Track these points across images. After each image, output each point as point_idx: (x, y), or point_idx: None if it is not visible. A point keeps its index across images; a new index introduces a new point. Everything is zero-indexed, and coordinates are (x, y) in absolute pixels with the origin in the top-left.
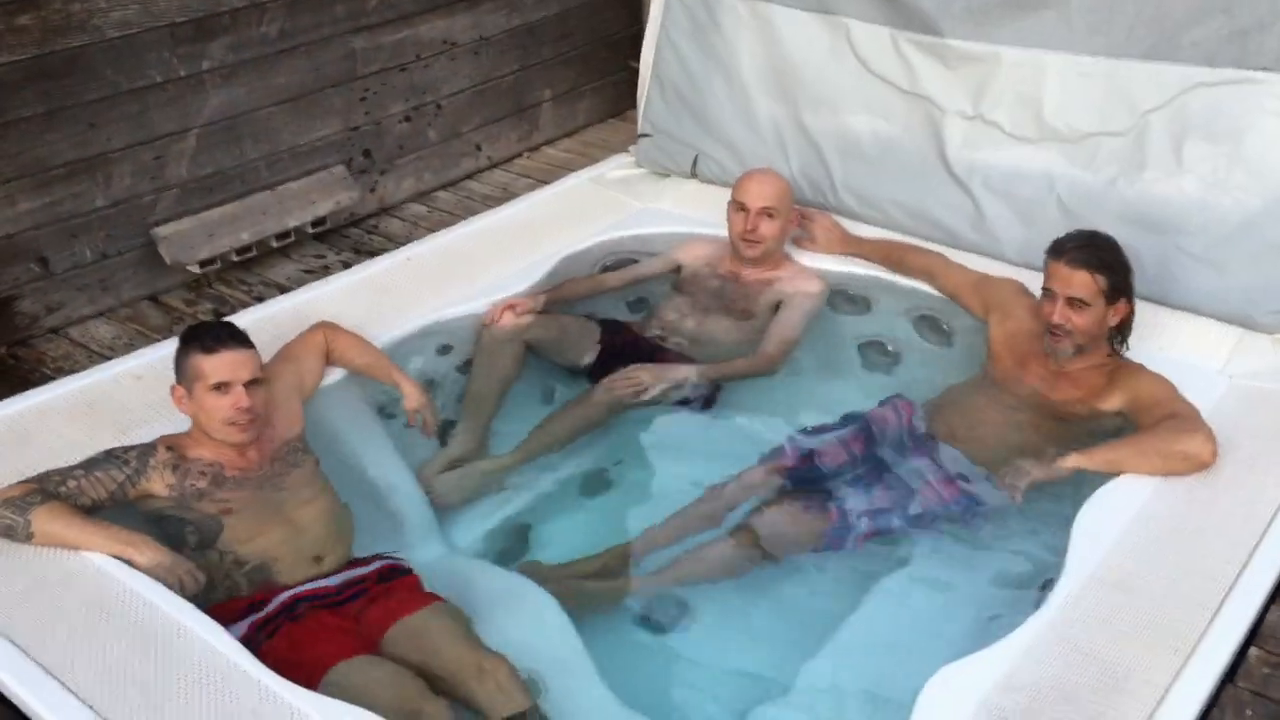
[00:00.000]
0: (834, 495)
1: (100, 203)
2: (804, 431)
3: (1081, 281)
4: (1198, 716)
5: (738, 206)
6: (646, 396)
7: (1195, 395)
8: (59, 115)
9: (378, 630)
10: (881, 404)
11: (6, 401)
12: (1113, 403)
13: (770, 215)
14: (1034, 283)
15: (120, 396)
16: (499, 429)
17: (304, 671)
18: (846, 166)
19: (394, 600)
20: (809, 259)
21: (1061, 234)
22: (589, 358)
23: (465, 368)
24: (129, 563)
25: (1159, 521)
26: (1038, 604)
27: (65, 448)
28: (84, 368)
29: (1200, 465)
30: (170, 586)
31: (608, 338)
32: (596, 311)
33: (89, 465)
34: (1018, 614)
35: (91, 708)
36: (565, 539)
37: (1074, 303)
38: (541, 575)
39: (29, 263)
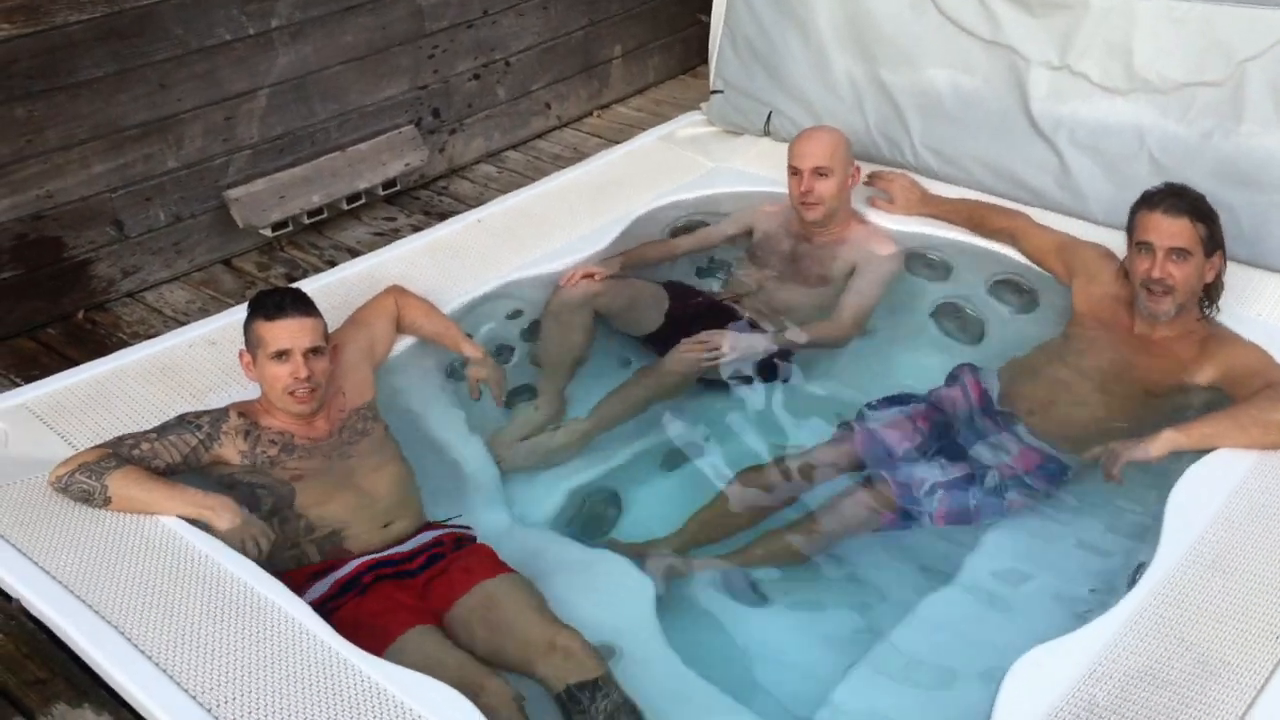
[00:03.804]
0: (899, 470)
1: (172, 164)
2: (871, 406)
3: (1182, 229)
4: None
5: (792, 170)
6: (720, 361)
7: None
8: (130, 75)
9: (449, 597)
10: (948, 382)
11: (84, 366)
12: (1205, 375)
13: (824, 174)
14: (1121, 243)
15: (195, 362)
16: (575, 397)
17: (370, 641)
18: (926, 122)
19: (468, 568)
20: (887, 221)
21: None
22: (654, 327)
23: (532, 332)
24: (206, 526)
25: (1258, 498)
26: (1130, 586)
27: (142, 413)
28: (159, 333)
29: None
30: (239, 549)
31: (676, 305)
32: (667, 276)
33: (162, 430)
34: (1109, 596)
35: (165, 671)
36: (637, 512)
37: (1175, 253)
38: (619, 549)
39: (105, 226)
